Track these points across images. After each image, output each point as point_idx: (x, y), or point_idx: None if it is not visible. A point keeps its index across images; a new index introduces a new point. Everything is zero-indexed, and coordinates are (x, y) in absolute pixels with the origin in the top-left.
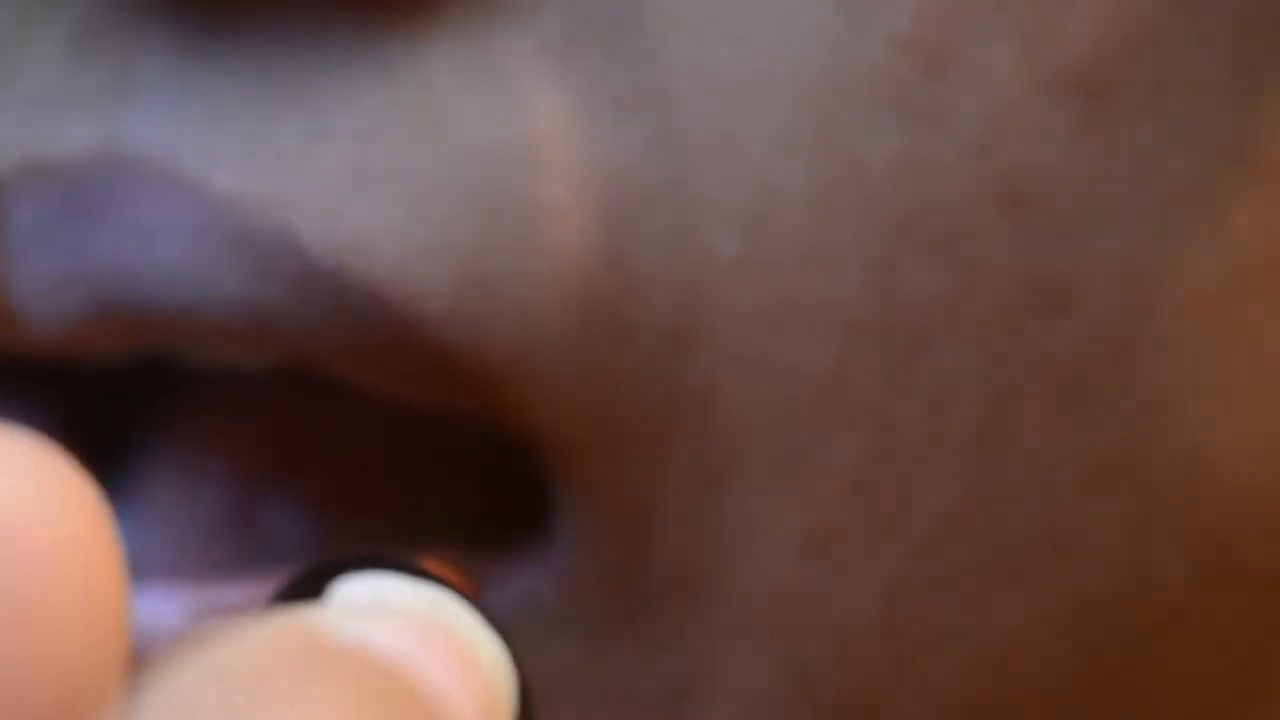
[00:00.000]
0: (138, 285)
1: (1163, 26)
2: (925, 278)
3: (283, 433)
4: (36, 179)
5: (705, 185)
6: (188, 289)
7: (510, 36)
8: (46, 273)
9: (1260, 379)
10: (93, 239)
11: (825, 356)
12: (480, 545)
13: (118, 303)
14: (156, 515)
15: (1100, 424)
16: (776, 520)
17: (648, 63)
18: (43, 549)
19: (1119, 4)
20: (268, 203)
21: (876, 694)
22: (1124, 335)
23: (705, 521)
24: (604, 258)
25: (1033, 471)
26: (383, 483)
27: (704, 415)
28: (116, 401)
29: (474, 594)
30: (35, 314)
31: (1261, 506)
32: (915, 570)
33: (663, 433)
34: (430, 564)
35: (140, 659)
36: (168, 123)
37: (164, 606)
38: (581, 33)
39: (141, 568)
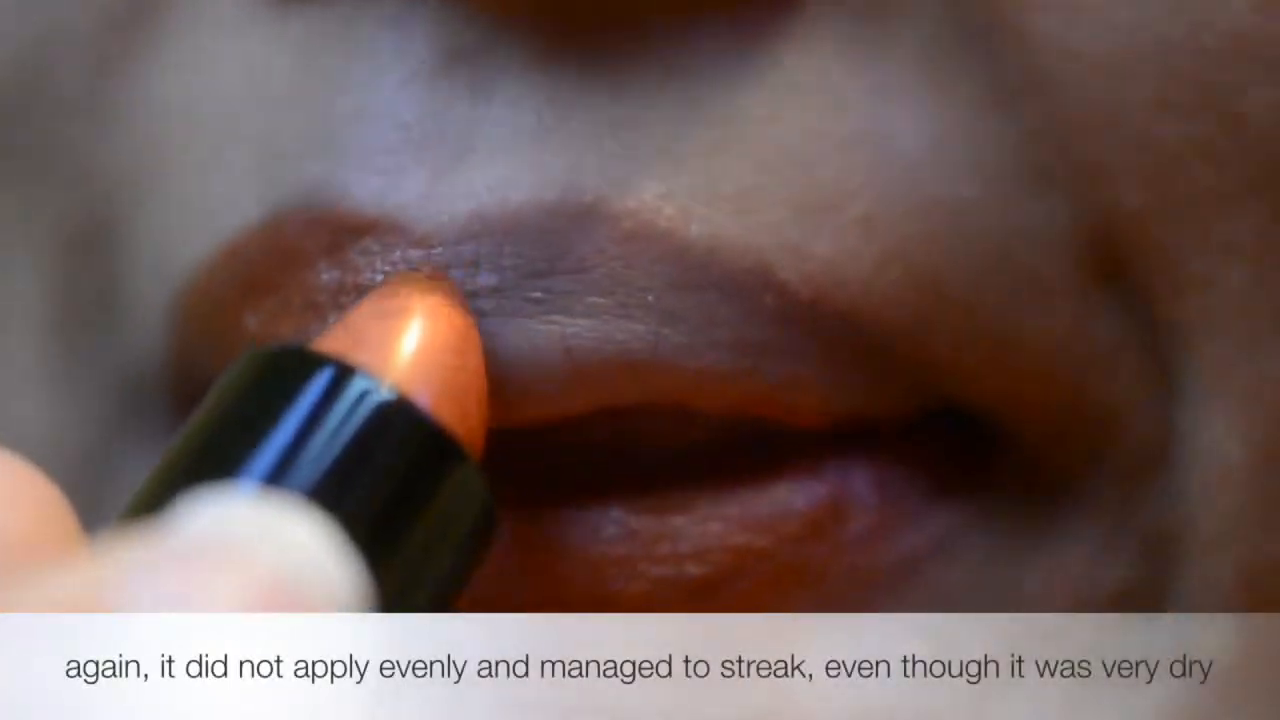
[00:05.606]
0: (621, 342)
1: None
2: None
3: None
4: (486, 239)
5: (1098, 153)
6: (673, 340)
7: (893, 46)
8: (525, 340)
9: None
10: (568, 297)
11: (1243, 275)
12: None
13: (603, 363)
14: None
15: None
16: (1224, 433)
17: (1019, 50)
18: None
19: None
20: (738, 245)
21: None
22: None
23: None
24: (1025, 237)
25: None
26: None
27: (1144, 335)
28: None
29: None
30: (518, 383)
31: None
32: None
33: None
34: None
35: None
36: (604, 164)
37: None
38: (949, 30)
39: None
